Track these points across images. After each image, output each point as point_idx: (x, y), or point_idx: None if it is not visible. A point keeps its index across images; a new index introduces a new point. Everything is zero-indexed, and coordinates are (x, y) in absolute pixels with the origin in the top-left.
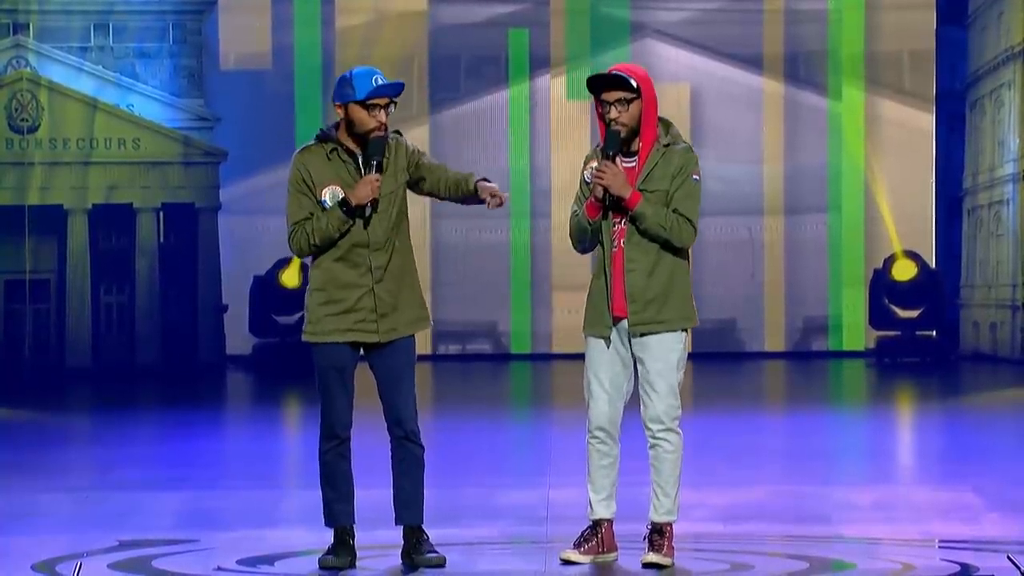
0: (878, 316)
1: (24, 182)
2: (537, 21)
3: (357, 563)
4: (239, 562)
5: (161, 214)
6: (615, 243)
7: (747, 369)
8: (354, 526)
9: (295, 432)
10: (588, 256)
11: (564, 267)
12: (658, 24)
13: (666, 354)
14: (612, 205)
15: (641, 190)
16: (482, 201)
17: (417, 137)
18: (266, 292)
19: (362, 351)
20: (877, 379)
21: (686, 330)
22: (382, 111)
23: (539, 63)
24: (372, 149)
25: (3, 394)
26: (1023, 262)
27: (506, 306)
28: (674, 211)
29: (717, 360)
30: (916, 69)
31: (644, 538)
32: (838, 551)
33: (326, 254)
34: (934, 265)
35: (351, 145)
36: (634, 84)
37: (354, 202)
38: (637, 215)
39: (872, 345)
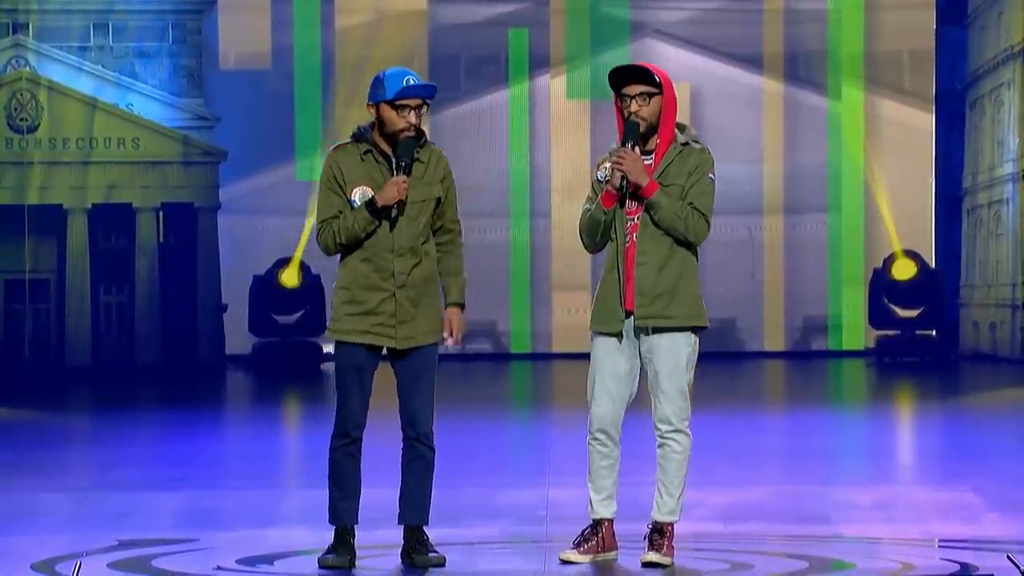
0: (878, 316)
1: (24, 182)
2: (537, 21)
3: (356, 562)
4: (239, 561)
5: (161, 214)
6: (628, 237)
7: (747, 369)
8: (356, 526)
9: (295, 432)
10: (588, 256)
11: (564, 267)
12: (658, 24)
13: (676, 355)
14: (629, 194)
15: (659, 182)
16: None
17: None
18: (266, 292)
19: (385, 351)
20: (877, 379)
21: (696, 332)
22: (412, 112)
23: (539, 63)
24: (401, 150)
25: (3, 394)
26: (1023, 261)
27: (506, 306)
28: (690, 205)
29: (717, 360)
30: (916, 69)
31: (644, 537)
32: (838, 551)
33: (353, 254)
34: (934, 265)
35: (384, 146)
36: (657, 79)
37: (380, 203)
38: (653, 204)
39: (872, 345)
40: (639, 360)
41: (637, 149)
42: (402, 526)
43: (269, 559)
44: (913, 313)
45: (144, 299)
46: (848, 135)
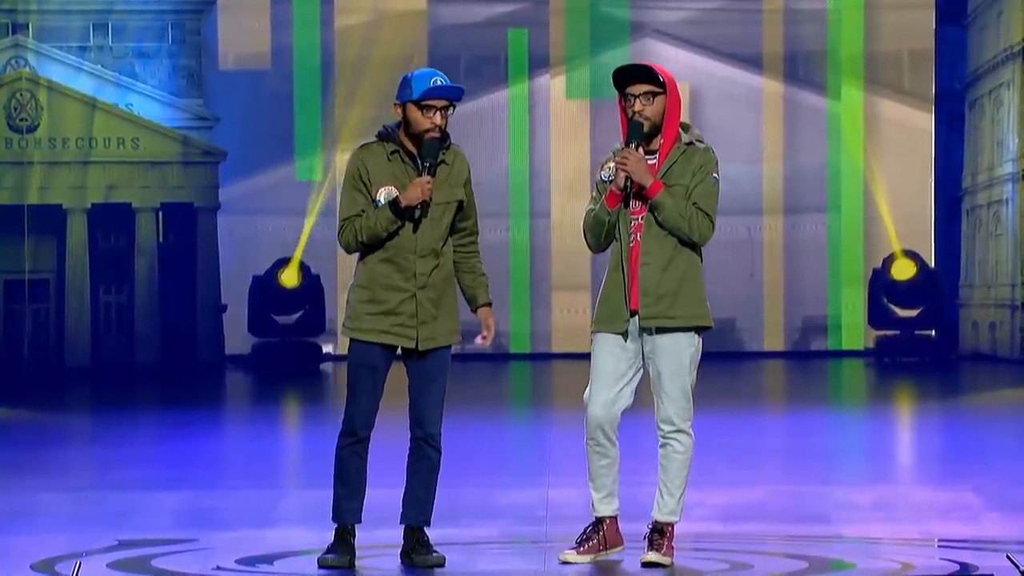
0: (877, 316)
1: (23, 182)
2: (536, 21)
3: (356, 562)
4: (238, 561)
5: (160, 214)
6: (632, 237)
7: (746, 369)
8: (357, 525)
9: (294, 432)
10: (587, 256)
11: (564, 267)
12: (657, 24)
13: (678, 356)
14: (633, 194)
15: (663, 182)
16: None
17: None
18: (265, 292)
19: (400, 351)
20: (876, 379)
21: (699, 332)
22: (437, 113)
23: (538, 63)
24: (425, 151)
25: (3, 394)
26: (1022, 262)
27: (505, 306)
28: (694, 205)
29: (716, 360)
30: (915, 69)
31: (644, 537)
32: (837, 551)
33: (374, 254)
34: (933, 265)
35: (410, 146)
36: (661, 79)
37: (404, 203)
38: (657, 204)
39: (871, 345)
40: (641, 361)
41: (641, 149)
42: (402, 526)
43: (269, 559)
44: (912, 313)
45: (144, 299)
46: (848, 135)
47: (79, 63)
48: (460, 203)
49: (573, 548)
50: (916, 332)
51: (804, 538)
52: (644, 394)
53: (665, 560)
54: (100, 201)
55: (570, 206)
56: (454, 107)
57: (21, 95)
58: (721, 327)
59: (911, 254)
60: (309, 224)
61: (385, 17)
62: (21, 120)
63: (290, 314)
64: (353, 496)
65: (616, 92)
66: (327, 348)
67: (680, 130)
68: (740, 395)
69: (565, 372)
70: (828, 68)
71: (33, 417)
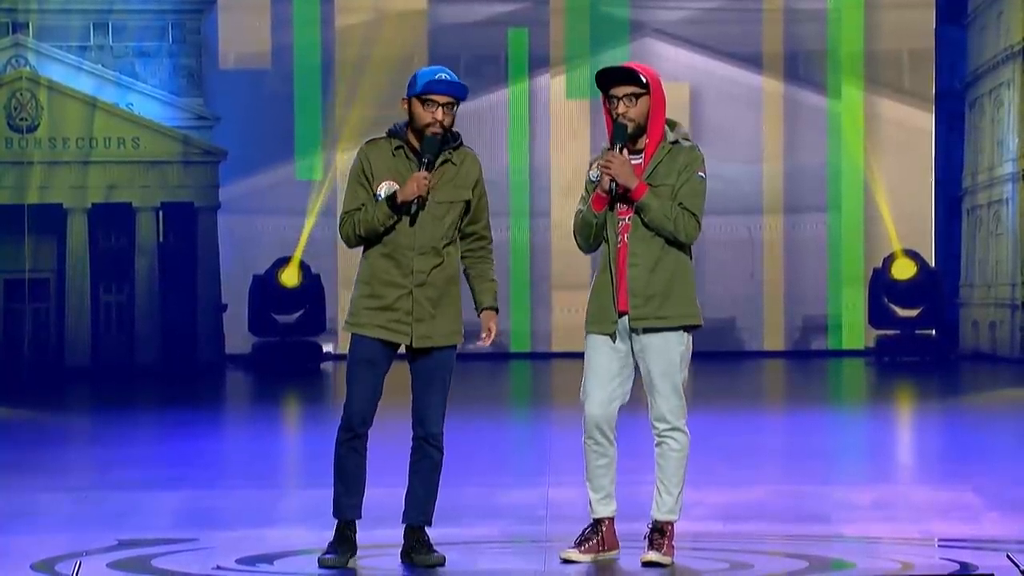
0: (877, 315)
1: (23, 181)
2: (537, 20)
3: (357, 560)
4: (238, 561)
5: (160, 213)
6: (620, 238)
7: (746, 368)
8: (357, 521)
9: (294, 431)
10: (587, 255)
11: (564, 266)
12: (658, 23)
13: (668, 354)
14: (618, 197)
15: (648, 184)
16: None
17: None
18: (265, 291)
19: (404, 349)
20: (876, 378)
21: (689, 330)
22: (439, 109)
23: (539, 62)
24: (425, 146)
25: (2, 393)
26: (1022, 261)
27: (505, 305)
28: (679, 205)
29: (716, 359)
30: (915, 68)
31: (644, 536)
32: (837, 550)
33: (375, 249)
34: (933, 264)
35: (415, 142)
36: (644, 80)
37: (400, 198)
38: (642, 206)
39: (872, 344)
40: (632, 358)
41: (626, 151)
42: (403, 525)
43: (269, 559)
44: (913, 313)
45: (144, 299)
46: (848, 135)
47: (79, 63)
48: (466, 205)
49: (574, 548)
50: (916, 332)
51: (804, 538)
52: (640, 393)
53: (665, 560)
54: (100, 201)
55: (570, 206)
56: (458, 104)
57: (21, 95)
58: (721, 327)
59: (911, 254)
60: (309, 223)
61: (385, 16)
62: (21, 120)
63: (290, 313)
64: (352, 492)
65: (601, 93)
66: (327, 347)
67: (666, 128)
68: (740, 395)
69: (565, 371)
70: (828, 67)
71: (33, 417)
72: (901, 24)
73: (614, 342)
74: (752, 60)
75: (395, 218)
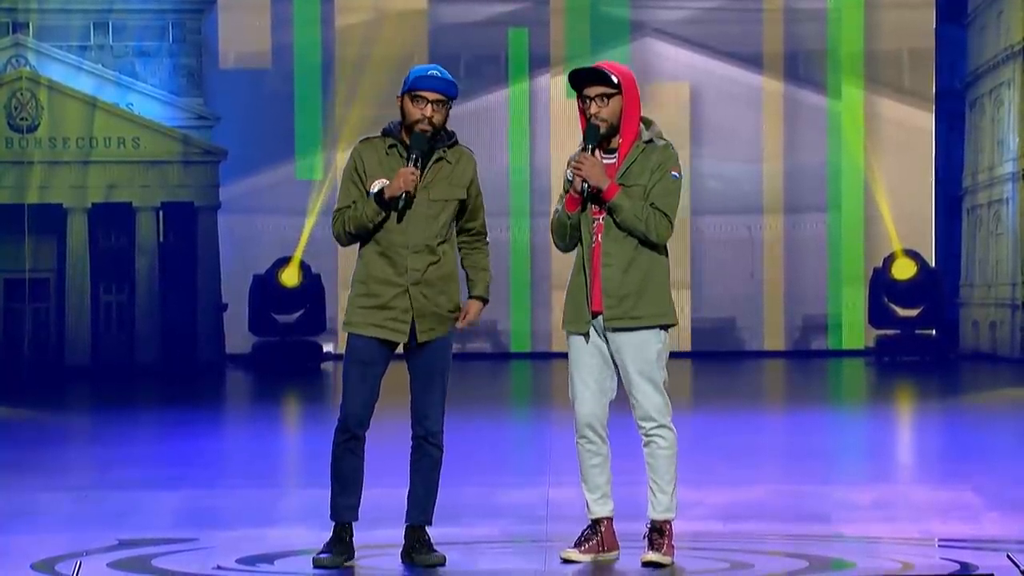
0: (878, 315)
1: (24, 181)
2: (537, 20)
3: (355, 561)
4: (238, 561)
5: (161, 213)
6: (594, 238)
7: (746, 368)
8: (354, 524)
9: (295, 431)
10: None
11: (564, 266)
12: (658, 23)
13: (644, 353)
14: (591, 198)
15: (620, 184)
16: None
17: None
18: (266, 291)
19: (402, 349)
20: (876, 378)
21: (665, 328)
22: (428, 105)
23: (539, 62)
24: (413, 142)
25: (3, 393)
26: (1023, 261)
27: (506, 305)
28: (651, 205)
29: (716, 359)
30: (916, 68)
31: (644, 536)
32: (837, 550)
33: (370, 248)
34: (934, 264)
35: (408, 140)
36: (615, 80)
37: (387, 193)
38: (614, 207)
39: (872, 344)
40: (612, 357)
41: (599, 152)
42: (404, 525)
43: (269, 558)
44: (913, 312)
45: (144, 298)
46: (848, 134)
47: (79, 62)
48: (461, 204)
49: (574, 548)
50: (916, 331)
51: (804, 537)
52: (624, 394)
53: (665, 560)
54: (100, 200)
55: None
56: (450, 102)
57: (21, 94)
58: (721, 326)
59: (911, 253)
60: (310, 223)
61: (386, 16)
62: (21, 119)
63: (291, 313)
64: (349, 494)
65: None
66: (328, 347)
67: (641, 127)
68: (740, 394)
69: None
70: (828, 67)
71: (33, 416)
72: (901, 24)
73: (590, 341)
74: (752, 60)
75: (384, 214)
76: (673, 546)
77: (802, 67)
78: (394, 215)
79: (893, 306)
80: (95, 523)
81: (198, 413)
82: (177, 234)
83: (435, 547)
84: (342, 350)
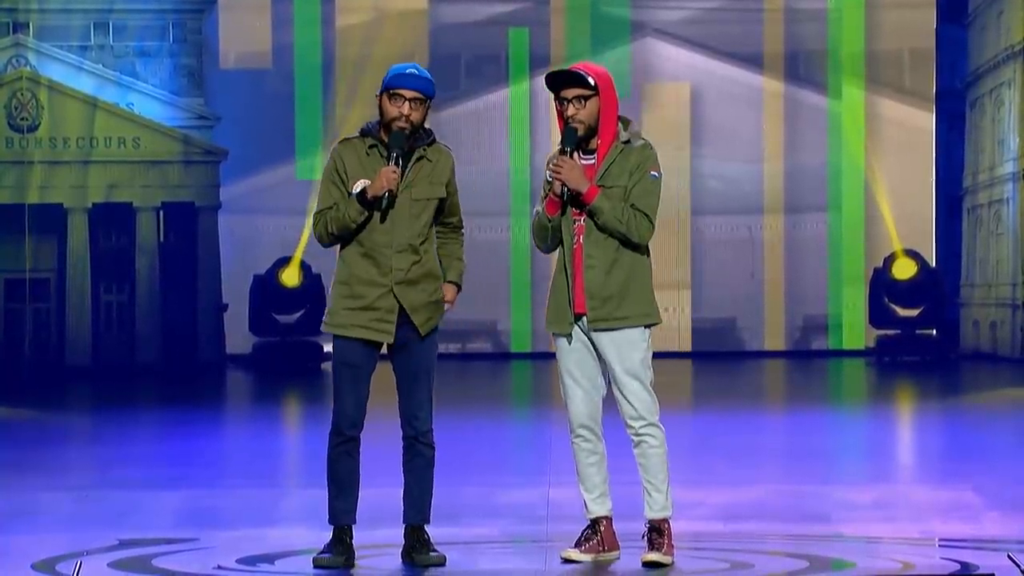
0: (878, 315)
1: (24, 181)
2: (537, 20)
3: (355, 562)
4: (239, 561)
5: (161, 213)
6: (575, 240)
7: (747, 368)
8: (353, 526)
9: (295, 431)
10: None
11: None
12: (658, 23)
13: (631, 352)
14: (570, 200)
15: (600, 186)
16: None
17: None
18: (266, 291)
19: (386, 349)
20: (877, 378)
21: (648, 327)
22: (406, 103)
23: (539, 62)
24: (391, 141)
25: (3, 393)
26: (1023, 261)
27: (506, 305)
28: (632, 207)
29: (717, 359)
30: (916, 68)
31: (642, 536)
32: (838, 550)
33: (352, 248)
34: (934, 264)
35: (387, 139)
36: (591, 81)
37: (369, 193)
38: (594, 209)
39: (872, 344)
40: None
41: (577, 155)
42: (404, 525)
43: (269, 558)
44: (913, 312)
45: (144, 298)
46: (848, 134)
47: (80, 62)
48: (441, 201)
49: (574, 548)
50: (917, 331)
51: (804, 537)
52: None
53: (666, 559)
54: (101, 200)
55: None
56: (428, 101)
57: (22, 94)
58: (722, 326)
59: (912, 253)
60: (310, 223)
61: (386, 16)
62: (22, 119)
63: (291, 313)
64: (346, 497)
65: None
66: (328, 347)
67: (619, 127)
68: (740, 394)
69: None
70: (829, 67)
71: (34, 416)
72: (902, 24)
73: (576, 340)
74: (753, 60)
75: (367, 214)
76: (673, 545)
77: (803, 67)
78: (377, 215)
79: (893, 306)
80: (95, 523)
81: (198, 413)
82: (177, 234)
83: (435, 547)
84: None
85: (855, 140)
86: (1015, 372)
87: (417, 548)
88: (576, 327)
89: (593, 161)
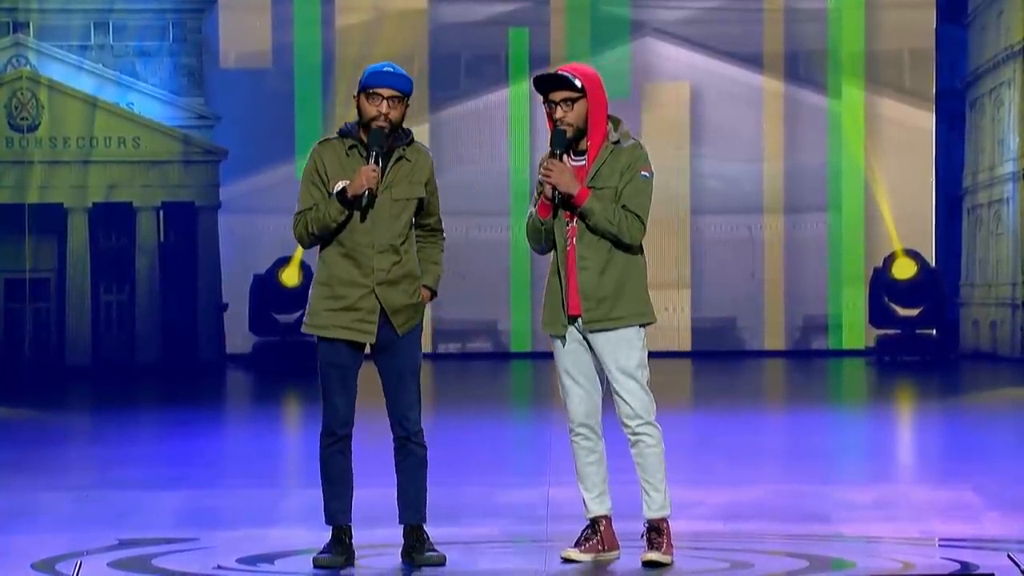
0: (878, 315)
1: (24, 181)
2: (537, 20)
3: (355, 562)
4: (239, 561)
5: (161, 213)
6: (568, 241)
7: (747, 368)
8: (351, 525)
9: (295, 431)
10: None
11: None
12: (658, 23)
13: (627, 351)
14: (561, 203)
15: (590, 187)
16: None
17: (417, 136)
18: (266, 291)
19: (369, 350)
20: (877, 378)
21: (644, 327)
22: (384, 102)
23: (539, 62)
24: (371, 140)
25: (3, 393)
26: (1023, 260)
27: (506, 305)
28: (623, 207)
29: (717, 359)
30: (916, 68)
31: (642, 536)
32: (838, 550)
33: (332, 249)
34: (934, 264)
35: (366, 139)
36: (579, 84)
37: (349, 192)
38: (585, 211)
39: (872, 344)
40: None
41: (568, 158)
42: (402, 525)
43: (269, 558)
44: (913, 312)
45: (144, 298)
46: (848, 134)
47: (80, 62)
48: (420, 202)
49: (574, 548)
50: (917, 331)
51: (804, 537)
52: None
53: (665, 559)
54: (101, 200)
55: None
56: (404, 99)
57: (22, 94)
58: (721, 326)
59: (912, 253)
60: None
61: (386, 16)
62: (22, 119)
63: (291, 313)
64: (340, 497)
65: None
66: None
67: (609, 127)
68: (740, 394)
69: None
70: (829, 67)
71: (34, 416)
72: (901, 24)
73: (572, 339)
74: (753, 60)
75: (347, 213)
76: (673, 545)
77: (802, 67)
78: (357, 215)
79: (893, 306)
80: (95, 523)
81: (198, 413)
82: (177, 234)
83: (435, 547)
84: None
85: (855, 140)
86: (1015, 372)
87: (417, 548)
88: (572, 328)
89: (584, 162)
